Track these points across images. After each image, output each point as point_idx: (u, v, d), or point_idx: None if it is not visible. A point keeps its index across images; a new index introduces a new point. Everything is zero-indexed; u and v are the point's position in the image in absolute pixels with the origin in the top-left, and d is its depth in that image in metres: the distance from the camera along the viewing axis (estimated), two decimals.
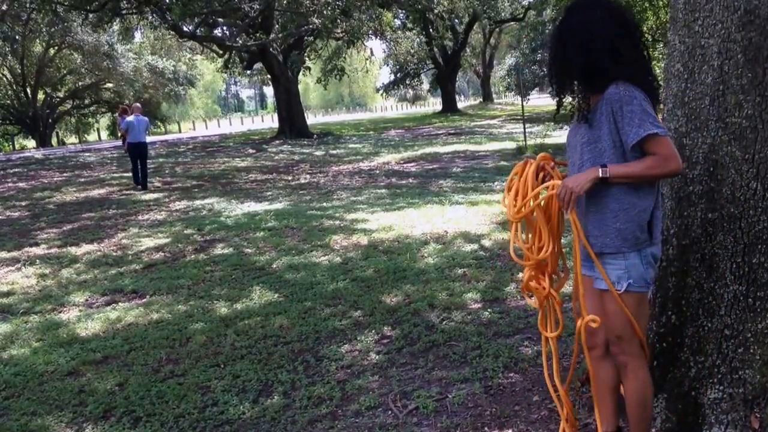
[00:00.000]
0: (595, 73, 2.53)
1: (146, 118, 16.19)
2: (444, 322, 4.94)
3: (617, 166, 2.48)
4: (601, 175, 2.47)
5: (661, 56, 21.13)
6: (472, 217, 8.56)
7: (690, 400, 2.90)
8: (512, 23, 48.44)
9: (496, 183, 12.50)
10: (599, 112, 2.54)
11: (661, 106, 2.87)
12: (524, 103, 23.35)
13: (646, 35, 20.97)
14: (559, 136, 23.71)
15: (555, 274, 2.91)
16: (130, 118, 15.35)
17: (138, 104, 16.95)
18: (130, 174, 16.15)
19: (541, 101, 50.01)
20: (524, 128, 20.48)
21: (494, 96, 70.45)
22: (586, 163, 2.61)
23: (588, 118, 2.59)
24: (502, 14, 44.49)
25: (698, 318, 2.92)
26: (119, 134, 17.67)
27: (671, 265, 3.06)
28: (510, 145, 20.58)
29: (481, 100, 66.39)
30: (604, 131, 2.54)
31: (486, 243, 7.22)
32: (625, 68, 2.49)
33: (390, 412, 3.64)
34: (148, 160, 15.96)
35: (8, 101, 43.14)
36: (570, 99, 2.75)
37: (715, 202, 2.84)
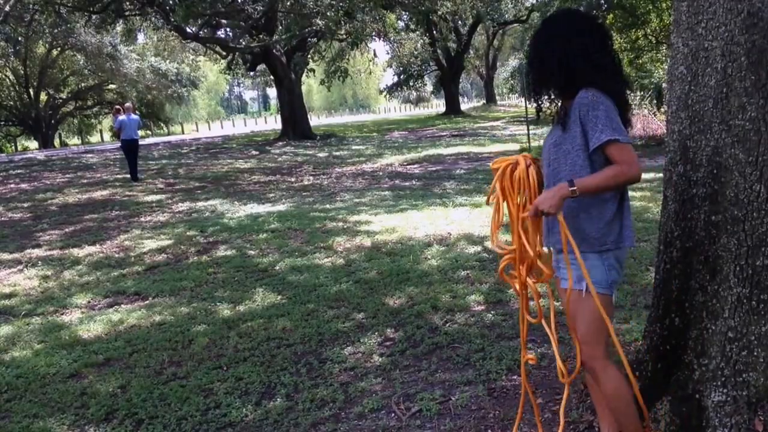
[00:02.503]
0: (568, 79, 2.62)
1: (137, 117, 17.70)
2: (447, 325, 4.93)
3: (583, 181, 2.54)
4: (570, 195, 2.53)
5: (664, 58, 21.14)
6: (475, 219, 8.56)
7: (694, 403, 2.89)
8: (515, 25, 48.44)
9: None
10: (570, 116, 2.63)
11: (665, 107, 2.88)
12: (528, 105, 23.35)
13: (650, 37, 20.98)
14: None
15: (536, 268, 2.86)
16: (123, 117, 16.80)
17: (129, 104, 18.23)
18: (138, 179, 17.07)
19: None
20: (528, 130, 20.47)
21: (497, 98, 70.45)
22: (553, 163, 2.70)
23: (563, 122, 2.67)
24: (506, 16, 44.48)
25: (702, 321, 2.91)
26: (112, 132, 18.86)
27: (675, 268, 3.05)
28: (514, 146, 20.57)
29: (485, 101, 66.39)
30: (571, 134, 2.62)
31: (489, 245, 7.21)
32: (596, 76, 2.58)
33: (393, 414, 3.64)
34: (151, 162, 16.23)
35: (11, 102, 43.24)
36: (548, 104, 2.84)
37: (718, 204, 2.83)
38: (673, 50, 3.07)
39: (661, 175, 3.48)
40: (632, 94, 26.66)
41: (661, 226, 3.19)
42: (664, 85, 21.66)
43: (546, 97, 2.79)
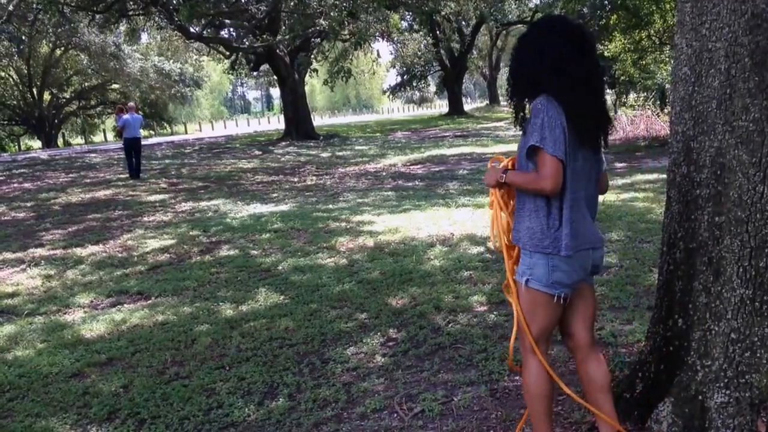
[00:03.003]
0: (532, 85, 2.71)
1: (140, 116, 18.50)
2: (450, 325, 4.93)
3: (513, 174, 2.73)
4: (499, 179, 2.77)
5: (668, 59, 21.11)
6: (478, 220, 8.55)
7: (696, 404, 2.89)
8: (519, 25, 48.41)
9: None
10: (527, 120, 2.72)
11: (668, 108, 2.90)
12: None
13: (654, 38, 20.96)
14: None
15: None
16: (126, 116, 17.29)
17: (132, 104, 18.84)
18: (140, 176, 17.48)
19: None
20: None
21: (501, 98, 70.38)
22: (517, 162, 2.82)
23: (523, 126, 2.77)
24: (509, 16, 44.44)
25: (705, 322, 2.91)
26: (116, 131, 19.33)
27: (678, 269, 3.05)
28: (516, 147, 20.54)
29: (488, 102, 66.38)
30: (524, 137, 2.71)
31: (491, 245, 7.20)
32: (555, 85, 2.62)
33: (395, 414, 3.64)
34: (154, 161, 16.36)
35: (14, 102, 43.33)
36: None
37: (722, 205, 2.83)
38: (677, 51, 3.07)
39: (664, 176, 3.48)
40: (635, 95, 26.67)
41: (665, 227, 3.18)
42: (667, 86, 21.66)
43: (518, 100, 2.86)
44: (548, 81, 2.63)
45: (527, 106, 2.79)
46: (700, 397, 2.89)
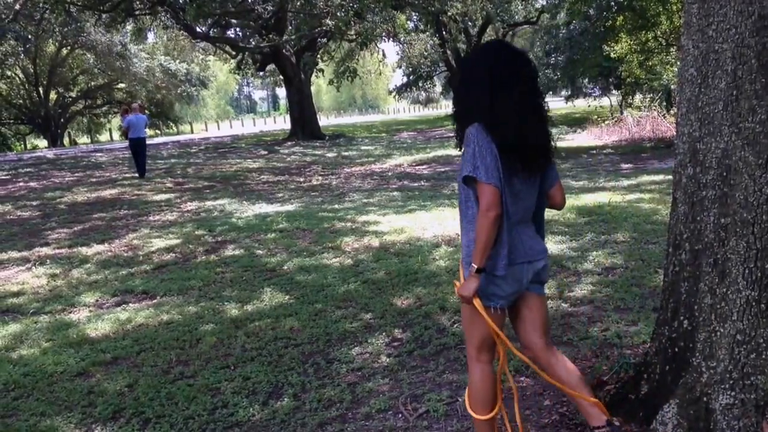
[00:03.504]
0: (466, 112, 2.78)
1: (145, 116, 18.58)
2: (455, 325, 4.93)
3: (473, 253, 2.69)
4: (476, 272, 2.71)
5: (674, 60, 21.07)
6: None
7: (701, 406, 2.88)
8: (526, 26, 48.33)
9: None
10: None
11: (674, 109, 2.90)
12: None
13: (660, 39, 20.91)
14: (572, 139, 23.66)
15: None
16: (130, 116, 17.45)
17: (136, 105, 18.86)
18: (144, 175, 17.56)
19: (554, 105, 49.85)
20: None
21: None
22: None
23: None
24: (516, 17, 44.35)
25: (710, 323, 2.90)
26: (121, 131, 19.48)
27: (683, 270, 3.04)
28: None
29: None
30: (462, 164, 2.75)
31: None
32: (486, 113, 2.66)
33: (400, 415, 3.64)
34: (160, 161, 16.38)
35: (20, 101, 43.50)
36: None
37: (728, 207, 2.82)
38: (684, 52, 3.06)
39: (670, 177, 3.47)
40: (641, 96, 26.63)
41: (670, 229, 3.17)
42: (673, 87, 21.61)
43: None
44: (479, 110, 2.68)
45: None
46: (705, 399, 2.88)
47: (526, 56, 2.80)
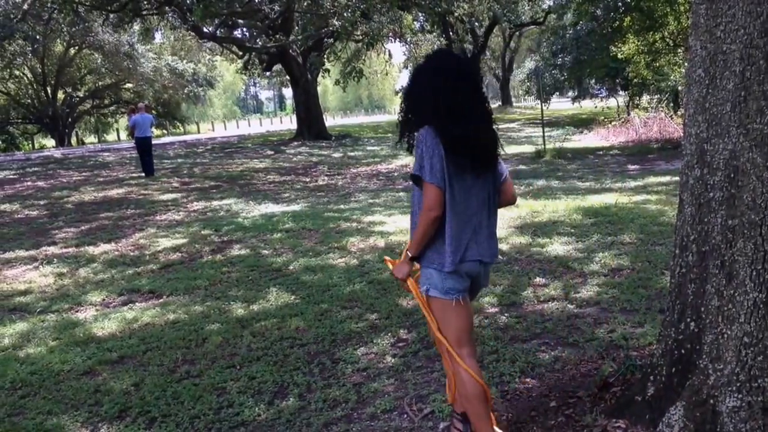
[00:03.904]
0: (415, 117, 2.93)
1: (150, 116, 19.01)
2: None
3: (411, 243, 2.93)
4: (410, 260, 2.97)
5: (681, 61, 21.01)
6: None
7: (708, 408, 2.87)
8: (532, 27, 48.28)
9: (514, 187, 12.44)
10: None
11: (682, 110, 2.91)
12: (544, 107, 23.28)
13: (668, 40, 20.84)
14: (579, 140, 23.62)
15: None
16: (136, 116, 17.70)
17: (142, 104, 19.19)
18: (149, 175, 17.73)
19: (561, 105, 49.82)
20: (543, 132, 20.41)
21: (513, 100, 70.29)
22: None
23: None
24: (523, 18, 44.33)
25: (717, 325, 2.89)
26: (128, 131, 19.72)
27: (690, 272, 3.03)
28: (529, 149, 20.52)
29: (500, 103, 66.23)
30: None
31: (503, 247, 7.18)
32: (434, 117, 2.82)
33: (405, 415, 3.63)
34: (166, 161, 16.45)
35: (28, 100, 43.64)
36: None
37: (735, 208, 2.81)
38: (691, 53, 3.05)
39: (677, 178, 3.47)
40: (649, 97, 26.56)
41: (677, 230, 3.16)
42: (681, 88, 21.55)
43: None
44: (427, 114, 2.84)
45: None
46: (711, 401, 2.87)
47: (470, 62, 3.00)
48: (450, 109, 2.81)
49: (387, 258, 3.22)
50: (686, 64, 3.20)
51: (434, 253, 2.91)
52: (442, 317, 2.98)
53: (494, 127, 2.99)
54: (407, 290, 3.07)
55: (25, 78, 42.61)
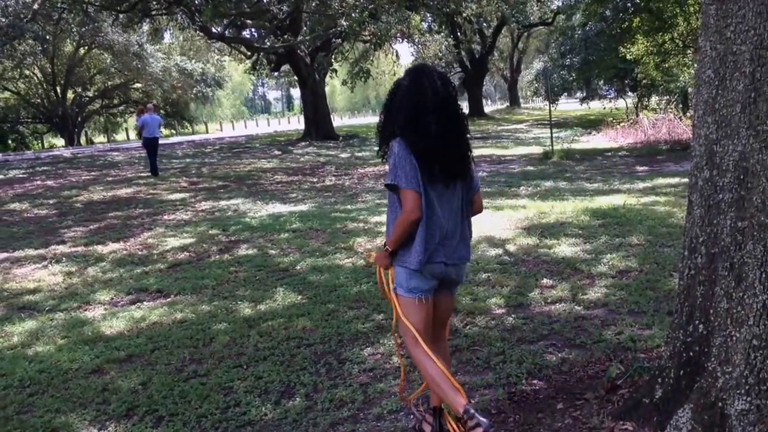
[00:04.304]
0: (390, 128, 3.11)
1: (159, 117, 19.44)
2: (467, 327, 4.92)
3: (390, 240, 3.12)
4: (387, 252, 3.16)
5: (691, 62, 20.93)
6: (497, 222, 8.52)
7: (716, 411, 2.85)
8: (541, 27, 48.19)
9: (522, 188, 12.44)
10: None
11: (691, 112, 2.90)
12: (552, 108, 23.23)
13: (677, 41, 20.76)
14: (587, 141, 23.56)
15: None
16: (145, 116, 18.02)
17: (151, 105, 19.60)
18: (160, 174, 18.07)
19: (569, 106, 49.70)
20: (551, 133, 20.37)
21: (521, 100, 70.13)
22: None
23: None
24: (531, 18, 44.26)
25: (726, 328, 2.87)
26: (136, 130, 19.94)
27: (699, 274, 3.02)
28: (537, 150, 20.49)
29: (508, 104, 66.15)
30: None
31: (511, 248, 7.18)
32: (405, 129, 3.02)
33: (412, 416, 3.63)
34: (175, 160, 16.60)
35: (38, 100, 43.82)
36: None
37: (745, 210, 2.80)
38: (701, 54, 3.04)
39: (685, 180, 3.46)
40: (657, 98, 26.47)
41: (686, 232, 3.15)
42: (690, 89, 21.47)
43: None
44: (401, 127, 3.03)
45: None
46: (720, 404, 2.85)
47: (445, 78, 3.14)
48: (417, 124, 3.00)
49: (369, 250, 3.34)
50: (696, 65, 3.18)
51: (404, 253, 3.10)
52: (406, 312, 3.19)
53: (467, 138, 3.18)
54: (403, 307, 3.22)
55: (35, 78, 42.79)
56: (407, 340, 3.21)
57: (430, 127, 3.00)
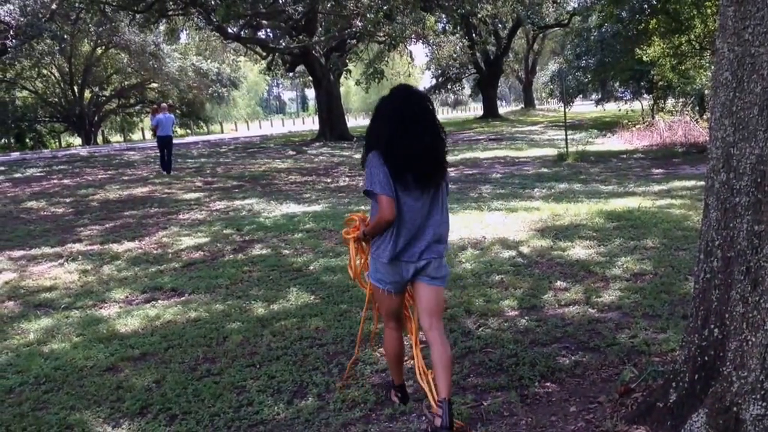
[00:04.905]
0: (370, 141, 3.53)
1: (172, 116, 20.06)
2: (480, 329, 4.91)
3: (368, 228, 3.61)
4: (362, 235, 3.67)
5: (707, 65, 20.77)
6: (510, 224, 8.50)
7: (731, 416, 2.83)
8: (556, 29, 48.03)
9: (536, 189, 12.40)
10: None
11: (707, 114, 2.88)
12: (567, 110, 23.14)
13: (694, 43, 20.63)
14: (602, 143, 23.45)
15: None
16: (159, 115, 18.60)
17: (165, 104, 20.10)
18: (173, 173, 18.37)
19: (584, 108, 49.48)
20: (566, 135, 20.29)
21: (536, 102, 69.90)
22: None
23: None
24: (547, 20, 44.12)
25: (742, 332, 2.85)
26: (151, 130, 20.76)
27: (715, 278, 3.00)
28: (551, 151, 20.41)
29: (523, 106, 65.96)
30: None
31: (524, 250, 7.16)
32: (380, 143, 3.42)
33: (424, 418, 3.62)
34: (189, 160, 16.74)
35: (56, 99, 44.11)
36: None
37: (761, 213, 2.77)
38: (718, 56, 3.02)
39: (701, 182, 3.44)
40: (674, 101, 26.29)
41: (702, 235, 3.13)
42: (706, 91, 21.31)
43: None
44: (379, 141, 3.44)
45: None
46: (735, 409, 2.83)
47: (422, 98, 3.51)
48: (390, 140, 3.37)
49: (346, 231, 3.91)
50: (713, 67, 3.16)
51: (378, 247, 3.52)
52: (375, 297, 3.73)
53: (443, 149, 3.51)
54: (375, 292, 3.69)
55: (53, 77, 43.10)
56: (385, 323, 3.77)
57: (401, 143, 3.36)
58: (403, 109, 3.42)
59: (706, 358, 3.01)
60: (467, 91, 69.60)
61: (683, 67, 22.30)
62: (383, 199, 3.36)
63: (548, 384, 3.92)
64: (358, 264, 3.87)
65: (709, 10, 18.98)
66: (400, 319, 3.78)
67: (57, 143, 44.92)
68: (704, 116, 21.43)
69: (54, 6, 26.20)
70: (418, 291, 3.58)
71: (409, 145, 3.36)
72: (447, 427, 3.28)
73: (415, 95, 3.51)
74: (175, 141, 19.17)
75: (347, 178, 16.57)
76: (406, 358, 4.02)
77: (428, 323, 3.56)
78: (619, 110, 37.11)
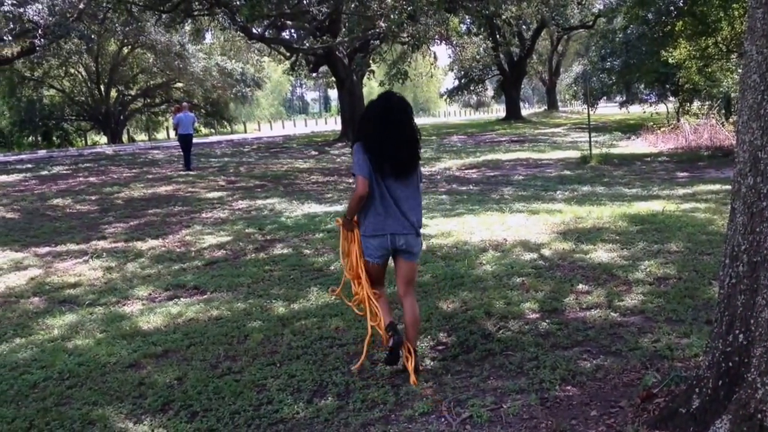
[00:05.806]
0: (357, 134, 4.31)
1: (193, 115, 21.13)
2: (501, 331, 4.89)
3: (348, 210, 4.37)
4: (347, 218, 4.38)
5: (734, 67, 20.53)
6: (532, 226, 8.46)
7: (755, 423, 2.80)
8: (581, 30, 47.72)
9: (558, 192, 12.33)
10: None
11: (733, 117, 2.85)
12: (590, 112, 22.97)
13: (721, 45, 20.38)
14: (626, 146, 23.27)
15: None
16: (180, 114, 19.40)
17: (186, 103, 20.92)
18: (195, 172, 18.69)
19: (608, 110, 49.12)
20: (590, 137, 20.15)
21: (559, 104, 69.49)
22: None
23: None
24: (571, 21, 43.88)
25: (767, 338, 2.81)
26: (173, 128, 21.53)
27: (740, 283, 2.96)
28: (574, 154, 20.29)
29: (546, 107, 65.60)
30: None
31: (546, 252, 7.12)
32: (364, 137, 4.19)
33: (443, 419, 3.62)
34: (213, 159, 16.98)
35: (82, 98, 44.65)
36: None
37: None
38: (746, 58, 2.98)
39: (727, 186, 3.39)
40: (699, 103, 26.01)
41: (727, 240, 3.09)
42: (733, 94, 21.05)
43: None
44: (362, 135, 4.22)
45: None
46: (759, 416, 2.79)
47: (400, 103, 4.22)
48: (373, 135, 4.14)
49: (338, 218, 4.53)
50: (740, 69, 3.12)
51: (362, 224, 4.27)
52: (365, 266, 4.38)
53: (417, 144, 4.24)
54: (342, 243, 4.50)
55: (80, 76, 43.62)
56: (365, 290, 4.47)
57: (380, 139, 4.11)
58: (384, 111, 4.19)
59: (730, 364, 2.98)
60: (490, 92, 69.34)
61: (709, 70, 22.06)
62: (359, 179, 4.10)
63: (569, 388, 3.89)
64: (345, 245, 4.49)
65: (736, 12, 18.76)
66: (383, 284, 4.56)
67: (83, 141, 45.49)
68: (730, 119, 21.18)
69: (81, 6, 26.45)
70: (398, 264, 4.35)
71: (386, 140, 4.10)
72: (399, 342, 4.15)
73: (395, 101, 4.24)
74: (198, 140, 19.49)
75: None
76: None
77: (403, 290, 4.36)
78: (644, 113, 36.78)
